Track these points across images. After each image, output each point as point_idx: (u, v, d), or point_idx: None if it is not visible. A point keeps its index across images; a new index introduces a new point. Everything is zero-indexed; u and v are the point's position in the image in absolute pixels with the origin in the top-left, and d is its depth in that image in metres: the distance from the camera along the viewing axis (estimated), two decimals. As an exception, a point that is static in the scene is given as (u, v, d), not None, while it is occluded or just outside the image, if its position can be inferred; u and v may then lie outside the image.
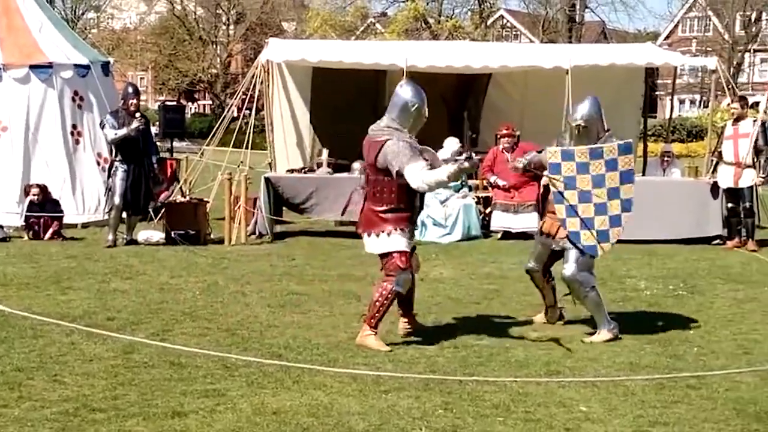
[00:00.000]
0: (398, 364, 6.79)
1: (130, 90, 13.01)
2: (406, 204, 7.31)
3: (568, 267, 7.65)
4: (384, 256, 7.35)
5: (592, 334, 7.70)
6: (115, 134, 12.47)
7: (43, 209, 13.13)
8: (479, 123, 16.69)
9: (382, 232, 7.28)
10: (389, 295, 7.30)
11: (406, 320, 7.72)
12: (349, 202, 12.72)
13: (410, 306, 7.74)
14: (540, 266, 8.11)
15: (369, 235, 7.37)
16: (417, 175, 7.02)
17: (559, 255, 7.93)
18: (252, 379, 6.32)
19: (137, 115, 12.65)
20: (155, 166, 13.03)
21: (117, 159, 12.62)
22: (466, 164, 6.97)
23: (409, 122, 7.30)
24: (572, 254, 7.66)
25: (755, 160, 12.82)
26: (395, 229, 7.27)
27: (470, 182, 14.62)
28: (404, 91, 7.38)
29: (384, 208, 7.26)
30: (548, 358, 6.99)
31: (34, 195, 13.22)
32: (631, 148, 7.81)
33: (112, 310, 8.48)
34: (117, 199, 12.49)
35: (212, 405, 5.76)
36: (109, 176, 12.84)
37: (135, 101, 12.82)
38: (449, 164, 7.19)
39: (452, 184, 13.78)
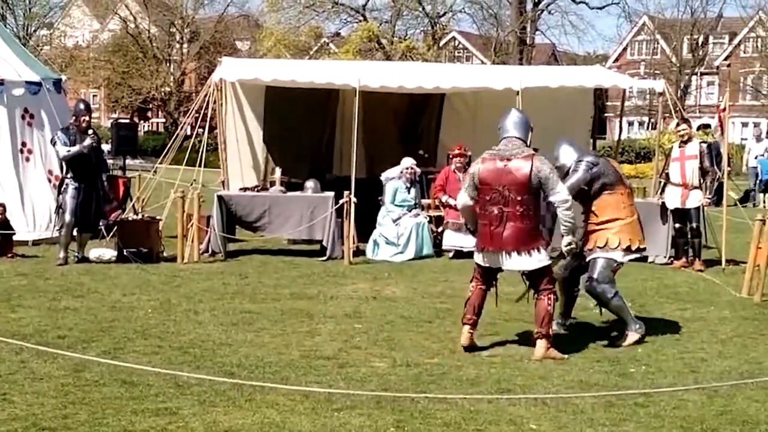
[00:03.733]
0: (350, 381, 6.82)
1: (82, 106, 12.91)
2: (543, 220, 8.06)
3: (590, 279, 8.30)
4: (538, 271, 7.75)
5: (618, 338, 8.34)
6: (68, 151, 12.39)
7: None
8: (434, 142, 16.80)
9: (534, 249, 7.66)
10: (553, 303, 7.78)
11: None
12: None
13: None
14: (565, 272, 8.58)
15: (520, 253, 7.66)
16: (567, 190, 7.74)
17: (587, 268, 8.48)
18: (204, 398, 6.31)
19: (89, 131, 12.60)
20: (105, 184, 12.95)
21: (68, 176, 12.52)
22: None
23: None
24: (595, 266, 8.28)
25: (702, 181, 13.05)
26: (545, 245, 7.82)
27: (422, 201, 14.69)
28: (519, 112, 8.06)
29: (533, 225, 7.69)
30: (499, 376, 7.05)
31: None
32: None
33: (63, 328, 8.41)
34: (68, 217, 12.39)
35: (164, 424, 5.74)
36: (59, 193, 12.73)
37: (87, 118, 12.72)
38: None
39: (405, 203, 14.02)
